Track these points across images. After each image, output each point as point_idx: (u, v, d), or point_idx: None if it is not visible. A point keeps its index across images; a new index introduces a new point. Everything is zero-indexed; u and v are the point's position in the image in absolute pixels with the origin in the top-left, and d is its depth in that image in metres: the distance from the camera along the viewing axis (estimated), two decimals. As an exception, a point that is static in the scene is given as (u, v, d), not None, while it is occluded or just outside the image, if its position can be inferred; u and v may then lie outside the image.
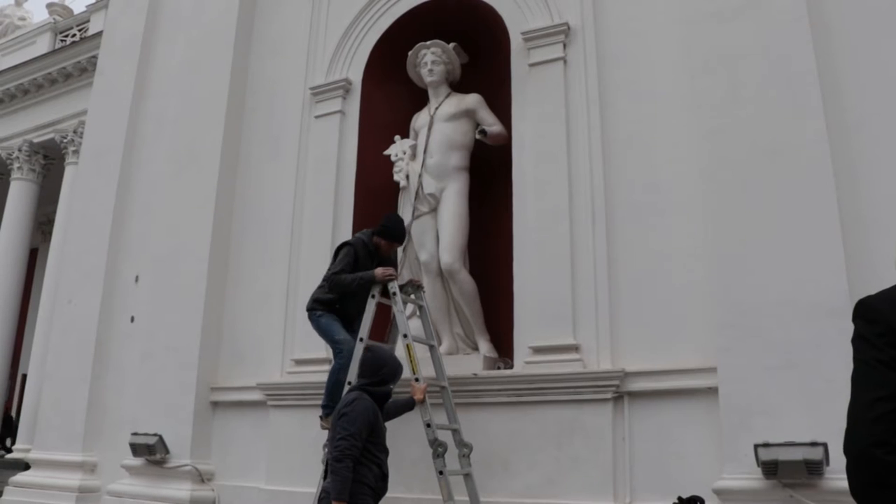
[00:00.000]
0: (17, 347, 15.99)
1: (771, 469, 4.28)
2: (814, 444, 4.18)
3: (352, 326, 5.48)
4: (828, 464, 4.18)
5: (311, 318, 5.61)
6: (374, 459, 4.35)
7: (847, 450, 1.53)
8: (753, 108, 5.00)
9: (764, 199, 4.79)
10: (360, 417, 4.30)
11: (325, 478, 4.44)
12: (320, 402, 5.53)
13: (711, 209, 5.02)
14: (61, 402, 8.10)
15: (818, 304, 4.41)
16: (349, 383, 5.10)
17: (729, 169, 4.99)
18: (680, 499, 4.46)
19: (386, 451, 4.51)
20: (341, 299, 5.51)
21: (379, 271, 5.30)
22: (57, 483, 7.63)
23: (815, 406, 4.32)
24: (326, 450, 4.52)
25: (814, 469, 4.18)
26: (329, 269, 5.58)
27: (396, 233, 5.65)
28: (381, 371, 4.64)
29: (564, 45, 6.08)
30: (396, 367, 4.77)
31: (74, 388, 7.97)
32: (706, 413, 4.80)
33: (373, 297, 5.44)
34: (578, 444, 5.16)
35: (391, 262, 5.72)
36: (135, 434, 6.97)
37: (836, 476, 4.17)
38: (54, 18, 16.52)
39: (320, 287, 5.63)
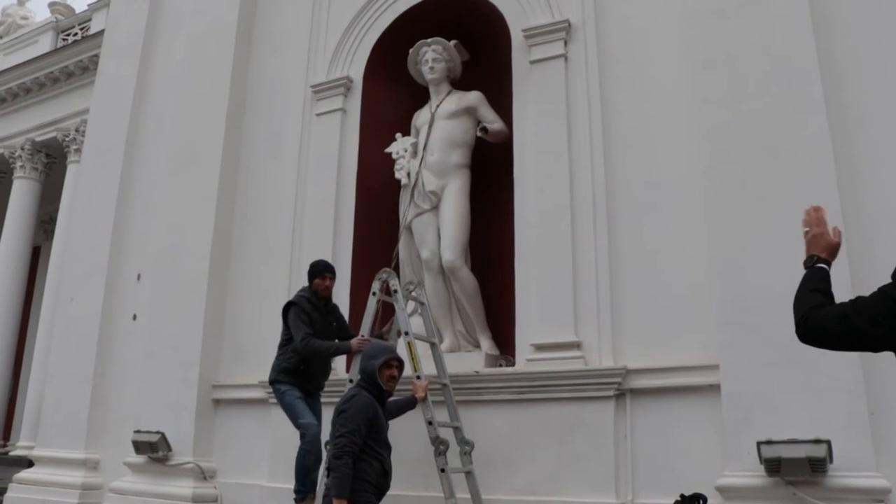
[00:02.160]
0: (20, 345, 16.01)
1: (774, 466, 4.27)
2: (817, 441, 4.18)
3: (317, 386, 5.65)
4: (831, 461, 4.18)
5: (274, 391, 5.62)
6: (375, 455, 4.33)
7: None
8: (754, 105, 4.98)
9: (765, 196, 4.78)
10: (358, 414, 4.28)
11: (328, 475, 4.44)
12: (323, 399, 5.55)
13: (713, 206, 5.01)
14: (64, 400, 8.12)
15: (820, 301, 4.39)
16: (350, 381, 5.10)
17: (730, 165, 4.98)
18: (682, 496, 4.46)
19: (388, 447, 4.49)
20: (306, 360, 5.48)
21: (355, 342, 5.29)
22: (60, 480, 7.65)
23: (818, 403, 4.32)
24: (328, 448, 4.51)
25: (817, 466, 4.17)
26: (284, 335, 5.60)
27: (318, 266, 5.75)
28: (371, 357, 4.61)
29: (565, 42, 6.07)
30: (378, 349, 4.72)
31: (77, 385, 7.99)
32: (708, 410, 4.79)
33: (374, 294, 5.45)
34: (580, 441, 5.16)
35: (333, 306, 5.82)
36: (137, 431, 6.99)
37: (840, 473, 4.18)
38: (56, 17, 16.53)
39: (281, 355, 5.58)
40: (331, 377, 5.87)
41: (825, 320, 2.18)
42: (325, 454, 4.93)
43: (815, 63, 4.85)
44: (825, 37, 4.95)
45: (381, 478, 4.36)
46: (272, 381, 5.57)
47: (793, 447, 4.22)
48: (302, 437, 5.32)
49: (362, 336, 5.35)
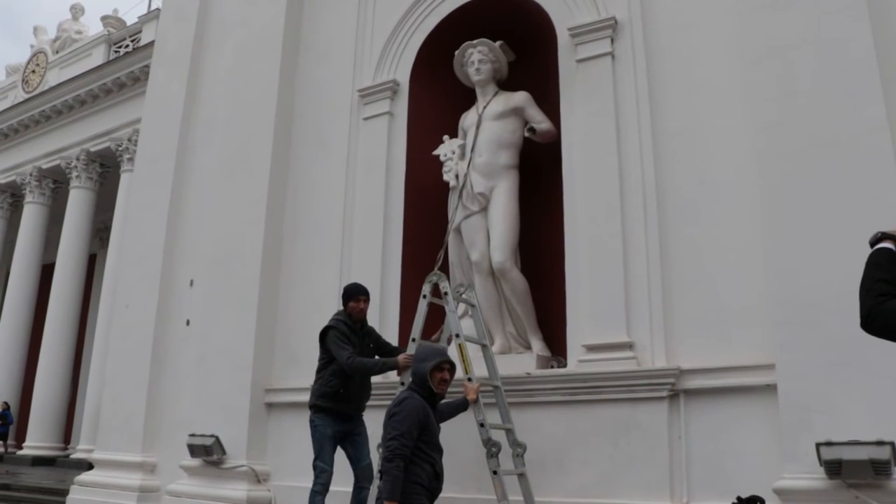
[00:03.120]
0: (78, 351, 16.41)
1: (834, 469, 4.17)
2: (880, 443, 4.06)
3: (357, 408, 5.59)
4: (895, 464, 4.06)
5: (310, 422, 5.57)
6: (426, 458, 4.32)
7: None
8: (809, 98, 4.87)
9: (822, 191, 4.67)
10: (409, 416, 4.28)
11: (381, 478, 4.45)
12: (375, 402, 5.56)
13: (767, 203, 4.91)
14: (121, 404, 8.28)
15: (881, 298, 4.28)
16: (402, 384, 5.11)
17: (785, 161, 4.88)
18: (739, 499, 4.37)
19: (440, 450, 4.48)
20: (346, 384, 5.44)
21: (401, 358, 5.28)
22: (119, 483, 7.81)
23: (880, 404, 4.20)
24: (381, 450, 4.52)
25: (881, 469, 4.06)
26: (322, 359, 5.56)
27: (352, 289, 5.73)
28: (424, 359, 4.60)
29: (612, 40, 6.01)
30: (430, 352, 4.69)
31: (133, 390, 8.14)
32: (765, 411, 4.71)
33: (424, 297, 5.45)
34: (634, 442, 5.10)
35: (369, 329, 5.79)
36: (192, 435, 7.10)
37: (905, 477, 4.06)
38: (108, 30, 16.95)
39: (319, 379, 5.55)
40: (383, 378, 5.89)
41: (891, 315, 2.12)
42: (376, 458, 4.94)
43: (872, 52, 4.72)
44: (882, 24, 4.82)
45: (432, 480, 4.36)
46: (312, 406, 5.53)
47: (854, 449, 4.12)
48: (316, 476, 5.42)
49: (407, 353, 5.27)
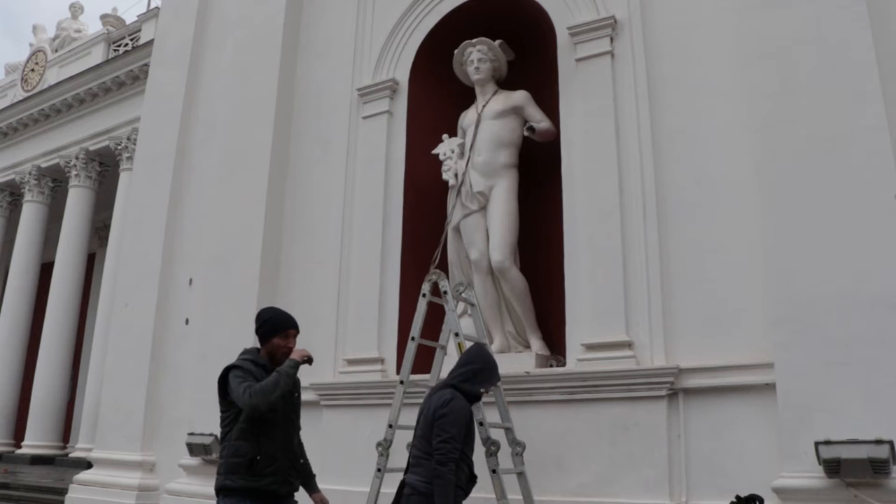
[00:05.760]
0: (77, 350, 16.40)
1: (833, 467, 4.17)
2: (879, 441, 4.06)
3: (286, 489, 3.90)
4: (894, 462, 4.07)
5: None
6: (465, 460, 4.29)
7: None
8: (808, 97, 4.87)
9: (821, 190, 4.67)
10: (459, 419, 4.22)
11: (406, 471, 4.43)
12: (373, 401, 5.55)
13: (767, 202, 4.91)
14: (120, 403, 8.29)
15: (880, 297, 4.29)
16: (450, 386, 4.60)
17: (784, 160, 4.88)
18: (738, 497, 4.37)
19: (472, 452, 4.44)
20: (261, 445, 3.79)
21: (296, 353, 3.94)
22: (118, 481, 7.82)
23: (879, 403, 4.21)
24: (411, 446, 4.47)
25: (879, 468, 4.06)
26: (225, 416, 3.93)
27: (280, 320, 4.22)
28: (491, 373, 4.56)
29: (611, 39, 6.01)
30: (496, 366, 4.66)
31: (132, 389, 8.15)
32: (764, 410, 4.71)
33: (423, 295, 5.45)
34: (633, 441, 5.10)
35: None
36: (191, 434, 7.10)
37: (905, 475, 4.07)
38: (108, 29, 16.93)
39: (224, 449, 3.92)
40: (382, 378, 5.85)
41: None
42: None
43: (872, 51, 4.72)
44: (881, 25, 4.82)
45: (468, 483, 4.35)
46: (220, 490, 3.88)
47: (853, 447, 4.12)
48: None
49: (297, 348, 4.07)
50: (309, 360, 3.94)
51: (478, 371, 4.48)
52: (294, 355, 3.90)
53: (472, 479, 4.39)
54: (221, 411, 3.91)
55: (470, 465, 4.34)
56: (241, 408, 3.76)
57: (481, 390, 4.52)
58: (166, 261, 8.49)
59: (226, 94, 8.53)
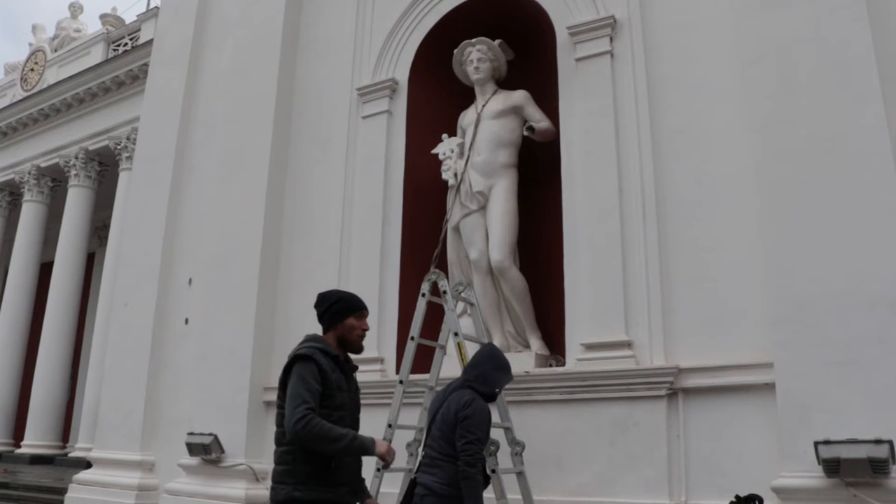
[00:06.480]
0: (76, 349, 16.39)
1: (832, 467, 4.17)
2: (878, 441, 4.06)
3: (355, 492, 3.41)
4: (894, 462, 4.06)
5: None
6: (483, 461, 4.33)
7: None
8: (808, 97, 4.87)
9: (821, 190, 4.67)
10: (483, 421, 4.24)
11: (417, 470, 4.43)
12: (372, 401, 5.53)
13: (766, 201, 4.91)
14: (120, 403, 8.29)
15: (880, 297, 4.29)
16: (469, 385, 4.50)
17: (783, 160, 4.87)
18: (738, 497, 4.37)
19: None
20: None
21: (382, 447, 3.29)
22: (117, 481, 7.82)
23: (878, 403, 4.20)
24: (425, 446, 4.47)
25: (879, 467, 4.06)
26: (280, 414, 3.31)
27: (353, 300, 3.61)
28: (505, 372, 4.56)
29: (611, 39, 6.01)
30: (508, 375, 4.65)
31: (132, 388, 8.15)
32: (763, 409, 4.71)
33: (423, 295, 5.45)
34: (632, 441, 5.10)
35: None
36: (191, 434, 7.10)
37: (904, 475, 4.07)
38: (107, 29, 16.91)
39: (286, 453, 3.26)
40: (381, 377, 5.85)
41: None
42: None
43: (871, 51, 4.72)
44: (881, 24, 4.82)
45: (485, 482, 4.36)
46: (285, 503, 3.20)
47: (853, 447, 4.12)
48: None
49: (384, 439, 3.80)
50: (386, 465, 3.42)
51: (492, 370, 4.49)
52: (380, 447, 3.29)
53: (487, 480, 4.40)
54: (278, 407, 3.35)
55: (485, 465, 4.35)
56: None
57: (496, 390, 4.52)
58: (166, 260, 8.49)
59: (225, 93, 8.53)
